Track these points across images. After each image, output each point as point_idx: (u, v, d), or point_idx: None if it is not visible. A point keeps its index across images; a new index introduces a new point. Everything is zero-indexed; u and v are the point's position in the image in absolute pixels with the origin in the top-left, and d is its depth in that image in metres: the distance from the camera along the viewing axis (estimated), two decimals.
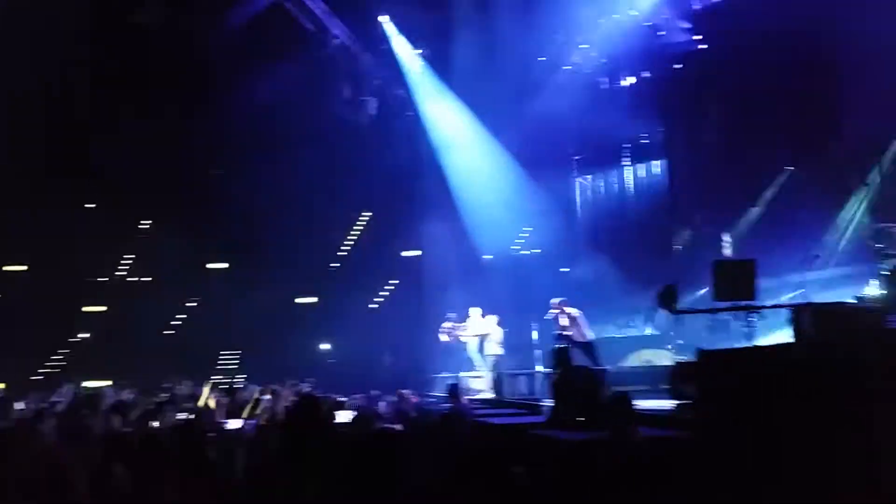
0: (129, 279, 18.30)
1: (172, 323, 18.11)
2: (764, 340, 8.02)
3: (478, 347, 13.43)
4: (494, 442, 7.47)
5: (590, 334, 10.56)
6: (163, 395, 10.47)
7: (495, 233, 17.02)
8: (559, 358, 7.87)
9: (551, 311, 11.18)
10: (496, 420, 8.60)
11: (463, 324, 13.85)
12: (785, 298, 10.16)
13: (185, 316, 18.22)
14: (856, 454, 4.11)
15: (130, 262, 18.23)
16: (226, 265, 18.67)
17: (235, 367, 17.87)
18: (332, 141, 16.97)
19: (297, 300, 18.86)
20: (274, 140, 16.99)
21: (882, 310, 6.58)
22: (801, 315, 6.26)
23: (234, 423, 7.46)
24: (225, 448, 6.07)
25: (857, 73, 12.43)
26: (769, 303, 8.15)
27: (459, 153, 17.35)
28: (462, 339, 13.79)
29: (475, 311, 13.62)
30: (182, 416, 8.50)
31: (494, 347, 12.99)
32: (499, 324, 13.21)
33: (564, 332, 10.68)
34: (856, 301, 7.77)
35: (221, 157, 17.71)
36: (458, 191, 17.40)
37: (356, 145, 17.18)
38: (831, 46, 12.92)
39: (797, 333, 6.23)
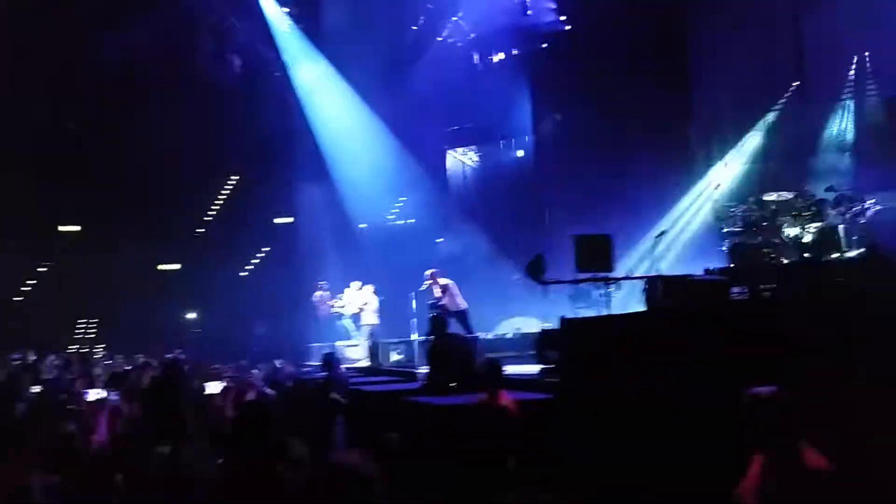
0: None
1: (22, 289, 16.83)
2: (620, 310, 8.66)
3: (353, 317, 13.55)
4: (370, 408, 7.66)
5: (462, 303, 10.90)
6: (14, 364, 9.80)
7: (369, 202, 17.05)
8: (434, 326, 8.11)
9: (425, 281, 11.44)
10: (372, 387, 8.78)
11: (337, 296, 13.91)
12: (639, 271, 10.98)
13: (34, 282, 16.97)
14: (702, 414, 4.58)
15: None
16: (79, 228, 17.50)
17: (93, 336, 16.91)
18: (196, 98, 16.23)
19: (160, 267, 18.04)
20: (134, 95, 16.03)
21: (726, 282, 7.27)
22: (654, 286, 6.82)
23: (94, 394, 7.19)
24: (85, 419, 5.88)
25: (710, 55, 13.48)
26: (624, 274, 8.81)
27: (331, 119, 17.13)
28: (337, 310, 13.85)
29: (354, 285, 13.71)
30: (36, 388, 8.06)
31: (370, 317, 13.13)
32: (375, 293, 13.35)
33: (438, 302, 10.96)
34: (704, 274, 8.53)
35: (77, 111, 16.48)
36: (331, 157, 17.22)
37: (222, 104, 16.54)
38: (687, 28, 13.95)
39: (649, 303, 6.79)
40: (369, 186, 16.68)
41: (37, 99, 15.19)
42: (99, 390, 7.63)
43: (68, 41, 14.83)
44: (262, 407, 5.54)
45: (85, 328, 17.14)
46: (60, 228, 17.31)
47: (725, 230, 10.35)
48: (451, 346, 7.63)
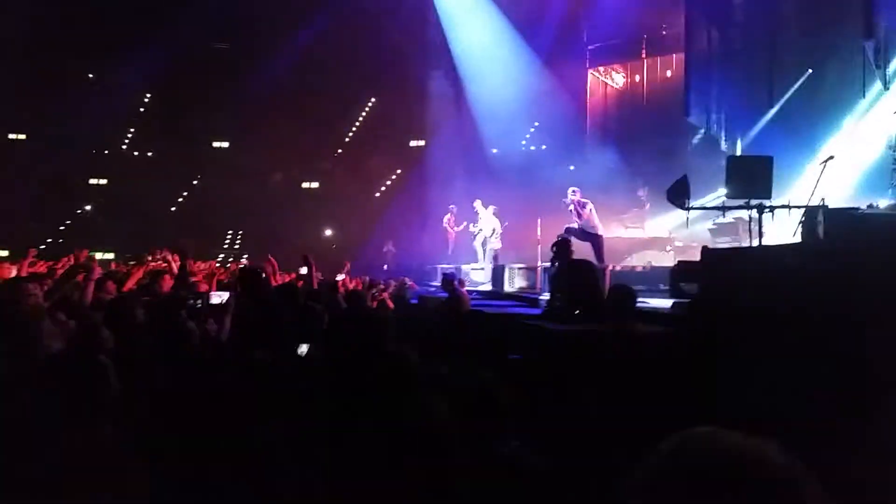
0: (131, 153, 18.06)
1: (178, 200, 18.03)
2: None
3: (481, 240, 13.35)
4: (490, 329, 7.46)
5: (599, 228, 10.26)
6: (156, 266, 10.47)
7: (503, 126, 16.59)
8: (559, 250, 7.67)
9: (568, 197, 10.52)
10: (493, 309, 8.56)
11: (475, 219, 13.69)
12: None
13: (187, 193, 18.13)
14: (851, 356, 4.00)
15: (131, 135, 17.92)
16: (226, 144, 18.40)
17: (238, 246, 17.94)
18: (337, 23, 16.27)
19: (303, 185, 18.69)
20: (280, 17, 16.31)
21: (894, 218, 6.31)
22: (812, 216, 6.01)
23: (218, 296, 7.56)
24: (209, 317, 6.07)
25: None
26: (780, 203, 7.82)
27: (471, 39, 16.61)
28: (470, 230, 13.66)
29: (479, 204, 13.44)
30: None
31: (494, 241, 12.88)
32: (495, 214, 13.01)
33: (576, 221, 10.20)
34: (868, 208, 7.50)
35: (225, 32, 17.06)
36: (468, 79, 16.82)
37: (363, 27, 16.47)
38: None
39: (806, 234, 6.02)
40: (504, 110, 16.18)
41: (187, 18, 15.78)
42: (224, 292, 8.02)
43: None
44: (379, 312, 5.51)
45: (232, 239, 18.18)
46: (214, 144, 18.22)
47: None
48: (577, 272, 7.18)
